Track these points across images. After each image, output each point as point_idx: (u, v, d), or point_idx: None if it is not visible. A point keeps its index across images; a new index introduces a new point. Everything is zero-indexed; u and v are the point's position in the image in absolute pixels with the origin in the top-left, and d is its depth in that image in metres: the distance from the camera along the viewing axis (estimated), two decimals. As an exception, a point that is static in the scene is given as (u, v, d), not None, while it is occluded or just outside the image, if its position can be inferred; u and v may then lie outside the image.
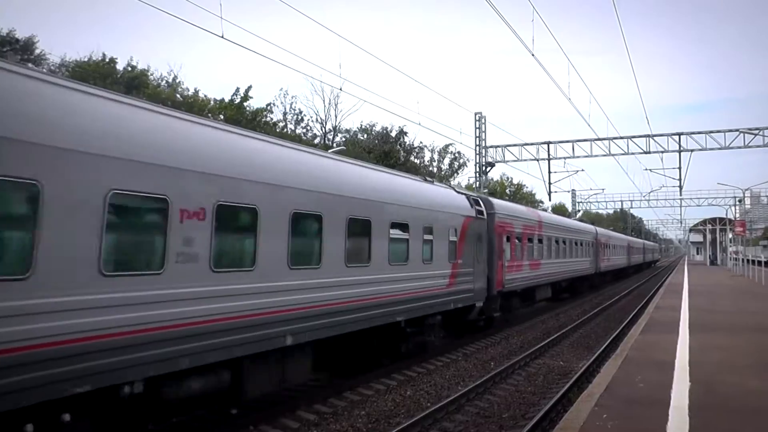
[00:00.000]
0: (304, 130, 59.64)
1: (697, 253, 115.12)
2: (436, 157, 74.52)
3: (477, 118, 49.19)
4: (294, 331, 11.15)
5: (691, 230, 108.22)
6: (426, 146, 72.35)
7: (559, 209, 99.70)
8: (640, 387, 10.25)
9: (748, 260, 52.01)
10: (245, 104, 49.60)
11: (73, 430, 7.73)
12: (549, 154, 48.98)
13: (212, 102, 50.46)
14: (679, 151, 45.28)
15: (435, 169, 72.47)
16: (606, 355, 17.53)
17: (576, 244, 38.06)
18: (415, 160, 67.26)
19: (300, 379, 12.42)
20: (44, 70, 36.19)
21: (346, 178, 13.76)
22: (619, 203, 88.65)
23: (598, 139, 46.52)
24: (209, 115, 44.74)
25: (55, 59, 45.26)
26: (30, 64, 38.15)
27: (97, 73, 42.87)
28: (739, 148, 43.87)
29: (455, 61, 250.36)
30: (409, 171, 45.01)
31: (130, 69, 47.71)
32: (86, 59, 46.15)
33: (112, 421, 8.65)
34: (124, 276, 8.00)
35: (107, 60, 46.71)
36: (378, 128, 62.72)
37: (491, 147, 49.72)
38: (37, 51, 44.18)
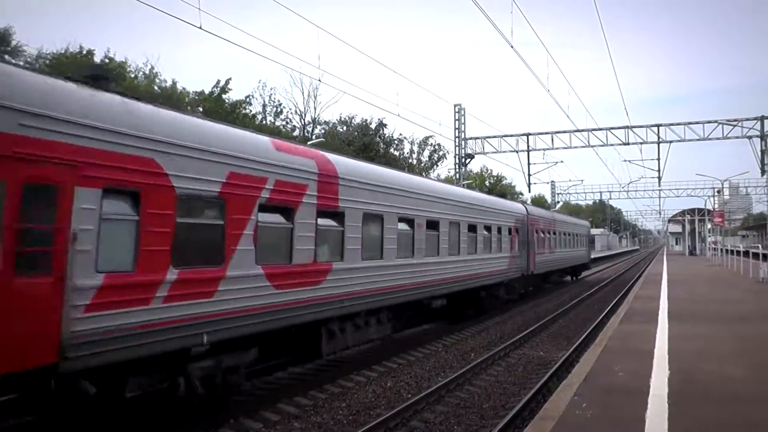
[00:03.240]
0: (284, 123, 59.50)
1: (676, 244, 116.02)
2: (415, 149, 74.60)
3: (456, 110, 49.18)
4: None
5: (670, 221, 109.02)
6: (405, 138, 72.40)
7: (538, 200, 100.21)
8: (620, 376, 10.28)
9: (726, 250, 52.44)
10: (224, 96, 49.36)
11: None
12: (528, 146, 49.17)
13: (191, 94, 50.17)
14: (658, 143, 45.59)
15: (415, 161, 72.54)
16: (585, 345, 17.57)
17: (473, 230, 22.74)
18: (395, 152, 67.28)
19: None
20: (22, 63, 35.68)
21: None
22: (599, 194, 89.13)
23: (577, 131, 46.72)
24: (188, 107, 44.47)
25: (32, 51, 44.72)
26: (7, 56, 37.72)
27: (75, 66, 42.39)
28: (718, 139, 44.26)
29: (435, 53, 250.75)
30: (389, 163, 44.94)
31: (107, 61, 47.24)
32: (63, 51, 45.65)
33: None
34: None
35: (84, 52, 46.23)
36: (357, 120, 62.68)
37: (471, 139, 49.76)
38: (14, 43, 43.61)
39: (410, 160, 71.56)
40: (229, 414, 11.27)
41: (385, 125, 63.61)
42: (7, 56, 38.33)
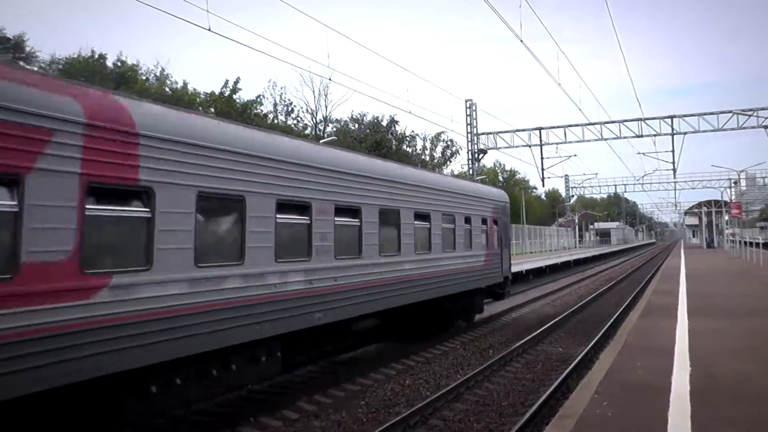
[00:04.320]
0: (295, 121, 59.63)
1: (693, 236, 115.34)
2: (428, 145, 74.50)
3: (468, 106, 49.09)
4: None
5: (686, 213, 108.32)
6: (418, 135, 72.31)
7: (552, 195, 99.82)
8: (640, 373, 10.17)
9: (745, 242, 51.97)
10: (234, 96, 49.53)
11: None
12: (541, 140, 48.94)
13: (202, 95, 50.34)
14: (672, 134, 45.25)
15: (428, 158, 72.50)
16: (604, 341, 17.47)
17: None
18: (407, 149, 67.24)
19: None
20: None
21: None
22: (613, 188, 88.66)
23: (590, 124, 46.47)
24: (199, 108, 44.61)
25: (45, 57, 44.98)
26: (22, 62, 37.96)
27: (87, 71, 42.67)
28: (733, 129, 43.78)
29: (444, 49, 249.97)
30: (401, 160, 44.90)
31: (119, 65, 47.48)
32: (75, 56, 45.91)
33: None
34: None
35: (97, 56, 46.48)
36: (369, 118, 62.70)
37: (483, 134, 49.66)
38: (28, 49, 43.89)
39: (423, 157, 71.51)
40: (248, 412, 11.31)
41: (396, 122, 63.64)
42: (21, 62, 38.56)
